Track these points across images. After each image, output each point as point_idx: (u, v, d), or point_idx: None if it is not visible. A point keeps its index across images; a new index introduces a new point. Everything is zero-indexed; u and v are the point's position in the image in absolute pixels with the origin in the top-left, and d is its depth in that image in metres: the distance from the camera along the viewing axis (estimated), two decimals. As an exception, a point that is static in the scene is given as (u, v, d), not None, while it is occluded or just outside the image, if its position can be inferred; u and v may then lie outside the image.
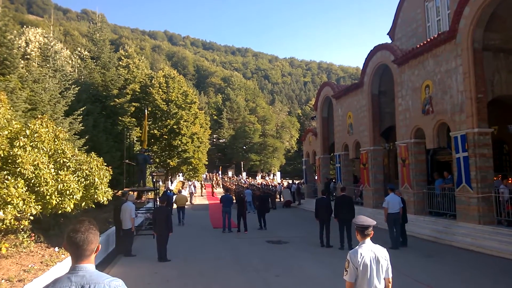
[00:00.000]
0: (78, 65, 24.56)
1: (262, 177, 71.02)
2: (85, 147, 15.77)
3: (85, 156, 9.66)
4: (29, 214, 7.77)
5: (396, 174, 18.26)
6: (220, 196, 17.94)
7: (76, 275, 2.19)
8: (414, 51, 14.97)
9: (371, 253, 3.88)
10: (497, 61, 12.68)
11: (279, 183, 41.56)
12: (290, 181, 41.76)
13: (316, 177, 27.86)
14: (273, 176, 70.52)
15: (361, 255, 3.84)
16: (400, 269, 8.63)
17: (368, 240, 3.98)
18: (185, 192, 29.42)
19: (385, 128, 19.12)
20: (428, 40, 14.68)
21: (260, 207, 16.32)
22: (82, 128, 16.88)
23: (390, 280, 3.96)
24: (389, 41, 21.86)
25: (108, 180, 9.90)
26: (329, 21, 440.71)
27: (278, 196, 31.96)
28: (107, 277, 2.24)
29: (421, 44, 14.82)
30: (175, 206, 18.97)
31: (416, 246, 11.87)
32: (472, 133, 12.05)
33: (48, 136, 9.01)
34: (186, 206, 20.20)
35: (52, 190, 8.10)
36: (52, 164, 8.70)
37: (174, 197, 21.94)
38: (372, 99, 18.98)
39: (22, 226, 8.25)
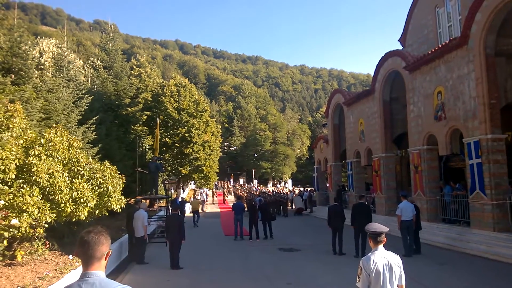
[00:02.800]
0: (91, 75, 24.99)
1: (274, 185, 70.88)
2: (98, 156, 15.96)
3: (99, 164, 9.79)
4: (44, 222, 7.90)
5: (408, 181, 18.06)
6: (231, 204, 17.94)
7: (86, 282, 2.19)
8: (426, 57, 14.90)
9: (384, 260, 3.86)
10: (510, 67, 12.54)
11: (290, 191, 41.39)
12: (302, 189, 41.60)
13: (327, 185, 27.71)
14: (285, 183, 70.34)
15: (373, 262, 3.83)
16: (413, 277, 8.51)
17: (381, 247, 3.97)
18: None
19: (397, 134, 18.98)
20: (440, 46, 14.59)
21: (263, 216, 16.19)
22: (95, 136, 17.11)
23: (404, 287, 3.93)
24: (400, 47, 21.79)
25: (121, 188, 10.01)
26: (339, 28, 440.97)
27: (289, 203, 31.84)
28: (117, 284, 2.24)
29: (433, 50, 14.73)
30: (188, 212, 19.13)
31: (430, 254, 11.70)
32: (485, 139, 11.89)
33: (62, 145, 9.18)
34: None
35: (66, 198, 8.23)
36: (67, 173, 8.85)
37: (190, 201, 25.71)
38: (383, 105, 18.88)
39: (37, 234, 8.36)
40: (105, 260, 2.31)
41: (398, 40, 22.43)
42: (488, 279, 8.83)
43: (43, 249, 9.12)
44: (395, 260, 3.91)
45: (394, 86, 18.70)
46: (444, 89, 13.97)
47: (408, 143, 16.55)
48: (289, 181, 68.15)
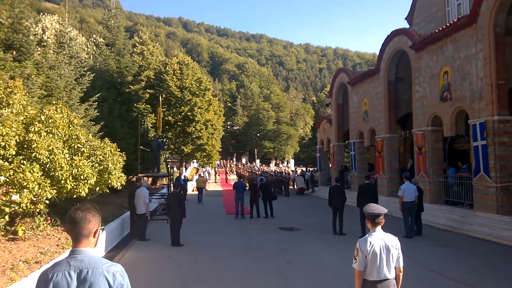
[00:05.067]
0: (93, 52, 24.73)
1: (276, 165, 71.08)
2: (100, 133, 15.93)
3: (99, 141, 9.74)
4: (44, 198, 7.91)
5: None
6: (233, 183, 17.98)
7: (75, 259, 2.19)
8: (433, 36, 14.57)
9: (381, 241, 3.81)
10: (520, 47, 12.24)
11: (292, 171, 41.49)
12: (304, 169, 41.66)
13: (330, 165, 27.69)
14: (287, 163, 70.47)
15: (370, 243, 3.78)
16: (414, 258, 8.53)
17: (378, 228, 3.91)
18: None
19: (401, 115, 18.79)
20: (448, 24, 14.25)
21: (264, 195, 16.24)
22: (98, 114, 17.03)
23: (401, 269, 3.89)
24: (407, 26, 21.34)
25: (121, 165, 10.00)
26: (345, 6, 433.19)
27: (291, 183, 31.93)
28: (106, 262, 2.22)
29: (440, 29, 14.39)
30: (190, 190, 19.26)
31: (431, 235, 11.70)
32: (491, 121, 11.71)
33: (62, 121, 9.12)
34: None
35: (66, 174, 8.21)
36: (67, 150, 8.82)
37: (195, 179, 28.10)
38: (388, 85, 18.63)
39: (38, 210, 8.40)
40: (94, 237, 2.28)
41: (405, 19, 21.95)
42: (491, 261, 8.81)
43: (45, 225, 9.18)
44: (393, 242, 3.85)
45: (399, 66, 18.40)
46: (451, 69, 13.70)
47: (412, 124, 16.39)
48: (292, 161, 68.26)
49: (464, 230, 11.97)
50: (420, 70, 15.70)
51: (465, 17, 12.93)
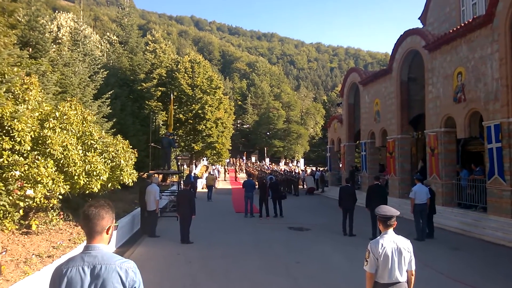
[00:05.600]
0: (107, 50, 24.96)
1: (286, 164, 70.96)
2: (112, 130, 16.07)
3: (112, 138, 9.83)
4: (58, 193, 8.02)
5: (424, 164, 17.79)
6: (243, 181, 18.01)
7: (89, 255, 2.23)
8: (447, 36, 14.40)
9: (393, 244, 3.78)
10: (537, 47, 12.02)
11: (302, 170, 41.39)
12: (314, 168, 41.54)
13: (340, 165, 27.56)
14: (297, 162, 70.30)
15: (382, 245, 3.75)
16: (425, 261, 8.45)
17: (390, 230, 3.88)
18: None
19: (413, 116, 18.61)
20: (462, 24, 14.06)
21: (273, 194, 16.22)
22: (110, 111, 17.18)
23: (413, 272, 3.85)
24: (420, 26, 21.11)
25: (133, 162, 10.08)
26: (357, 5, 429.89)
27: (301, 183, 31.87)
28: (118, 258, 2.26)
29: (454, 29, 14.21)
30: (200, 188, 19.36)
31: (443, 238, 11.58)
32: (506, 123, 11.52)
33: (76, 118, 9.23)
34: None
35: (80, 170, 8.32)
36: (80, 146, 8.92)
37: (205, 177, 28.66)
38: (400, 86, 18.46)
39: (51, 205, 8.52)
40: (107, 234, 2.32)
41: (419, 18, 21.72)
42: (504, 266, 8.69)
43: (58, 220, 9.30)
44: (405, 245, 3.82)
45: (412, 66, 18.22)
46: (465, 70, 13.53)
47: (424, 125, 16.22)
48: (301, 160, 68.03)
49: (477, 233, 11.81)
50: (433, 70, 15.53)
51: (481, 17, 12.74)
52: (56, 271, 2.23)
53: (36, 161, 7.58)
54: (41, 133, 8.15)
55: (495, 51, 12.10)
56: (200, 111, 35.49)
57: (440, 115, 14.97)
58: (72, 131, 9.06)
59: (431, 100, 15.65)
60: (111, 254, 2.29)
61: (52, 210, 9.28)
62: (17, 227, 8.27)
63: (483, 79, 12.63)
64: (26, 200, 7.43)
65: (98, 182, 8.80)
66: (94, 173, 8.62)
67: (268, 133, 75.09)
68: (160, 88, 32.69)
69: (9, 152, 7.42)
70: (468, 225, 12.54)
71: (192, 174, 26.39)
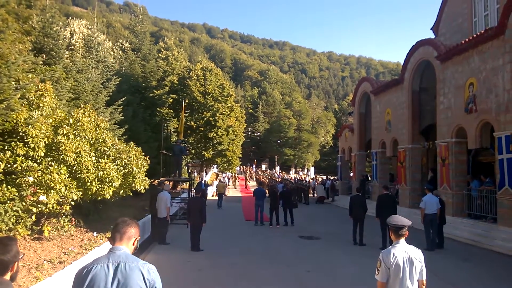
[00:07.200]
0: (119, 57, 25.30)
1: (296, 172, 70.74)
2: (124, 137, 16.23)
3: (124, 145, 9.95)
4: (70, 200, 8.13)
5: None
6: (253, 189, 18.02)
7: (114, 254, 2.44)
8: (459, 47, 14.35)
9: (405, 253, 3.79)
10: (550, 58, 11.92)
11: (312, 179, 41.22)
12: (324, 177, 41.35)
13: (351, 174, 27.43)
14: (307, 171, 70.01)
15: (393, 255, 3.76)
16: (434, 271, 8.37)
17: (402, 240, 3.89)
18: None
19: (424, 126, 18.50)
20: (474, 35, 14.02)
21: (284, 203, 16.17)
22: (122, 118, 17.36)
23: (424, 282, 3.85)
24: (433, 36, 21.05)
25: (145, 169, 10.17)
26: (369, 15, 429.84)
27: (311, 191, 31.75)
28: (141, 260, 2.50)
29: (466, 40, 14.17)
30: (210, 195, 19.43)
31: (453, 249, 11.46)
32: (518, 134, 11.43)
33: (90, 125, 9.37)
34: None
35: (92, 177, 8.43)
36: (93, 152, 9.05)
37: (215, 184, 29.21)
38: (412, 96, 18.40)
39: (63, 211, 8.63)
40: (133, 244, 2.58)
41: (431, 29, 21.67)
42: (514, 278, 8.57)
43: (69, 226, 9.40)
44: (417, 255, 3.82)
45: (424, 76, 18.17)
46: (477, 81, 13.45)
47: (436, 135, 16.12)
48: (312, 169, 67.78)
49: (487, 244, 11.67)
50: (445, 81, 15.46)
51: (493, 29, 12.70)
52: (82, 269, 2.43)
53: (49, 167, 7.71)
54: (55, 140, 8.29)
55: (506, 62, 12.03)
56: (211, 119, 35.68)
57: (451, 125, 14.87)
58: (85, 137, 9.20)
59: (443, 111, 15.56)
60: (134, 256, 2.51)
61: (64, 216, 9.40)
62: (29, 232, 8.39)
63: (494, 90, 12.55)
64: (39, 206, 7.53)
65: (110, 189, 8.91)
66: (107, 179, 8.72)
67: (278, 141, 74.99)
68: (172, 95, 32.96)
69: (23, 158, 7.54)
70: (478, 236, 12.39)
71: (203, 182, 26.49)
